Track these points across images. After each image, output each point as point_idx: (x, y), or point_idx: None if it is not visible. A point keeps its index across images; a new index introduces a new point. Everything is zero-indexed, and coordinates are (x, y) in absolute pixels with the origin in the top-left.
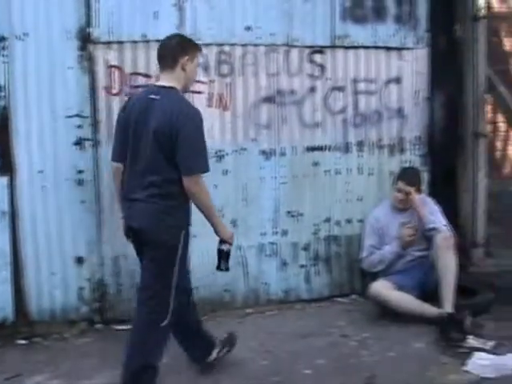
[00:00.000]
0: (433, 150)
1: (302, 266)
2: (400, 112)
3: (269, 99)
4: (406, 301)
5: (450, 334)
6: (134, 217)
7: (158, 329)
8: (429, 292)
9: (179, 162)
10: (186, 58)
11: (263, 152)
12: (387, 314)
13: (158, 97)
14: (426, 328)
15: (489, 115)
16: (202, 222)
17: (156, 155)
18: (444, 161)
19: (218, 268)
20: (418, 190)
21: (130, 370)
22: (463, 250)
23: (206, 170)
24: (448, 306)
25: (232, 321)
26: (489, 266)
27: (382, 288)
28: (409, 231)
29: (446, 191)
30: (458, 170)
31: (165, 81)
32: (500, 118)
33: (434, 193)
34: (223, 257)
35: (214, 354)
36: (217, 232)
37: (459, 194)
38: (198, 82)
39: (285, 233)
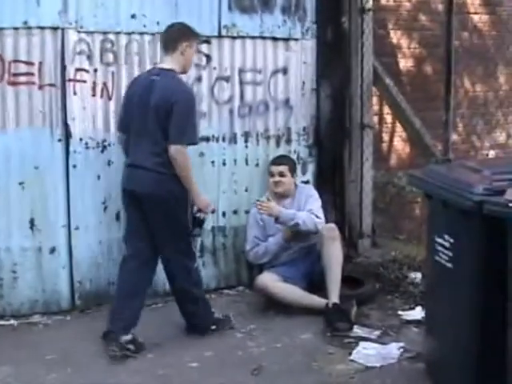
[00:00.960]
0: (320, 141)
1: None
2: (287, 103)
3: None
4: (291, 292)
5: (335, 324)
6: (139, 183)
7: (191, 271)
8: (317, 282)
9: (169, 133)
10: (186, 44)
11: None
12: (274, 305)
13: (158, 77)
14: (313, 319)
15: (375, 107)
16: (87, 214)
17: (156, 128)
18: (331, 152)
19: (191, 234)
20: (292, 172)
21: (179, 288)
22: (350, 240)
23: (192, 142)
24: (334, 297)
25: None
26: (375, 256)
27: (268, 280)
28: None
29: (333, 182)
30: (344, 161)
31: (165, 63)
32: (386, 109)
33: (320, 184)
34: (196, 224)
35: None
36: (193, 200)
37: (346, 185)
38: (81, 70)
39: None
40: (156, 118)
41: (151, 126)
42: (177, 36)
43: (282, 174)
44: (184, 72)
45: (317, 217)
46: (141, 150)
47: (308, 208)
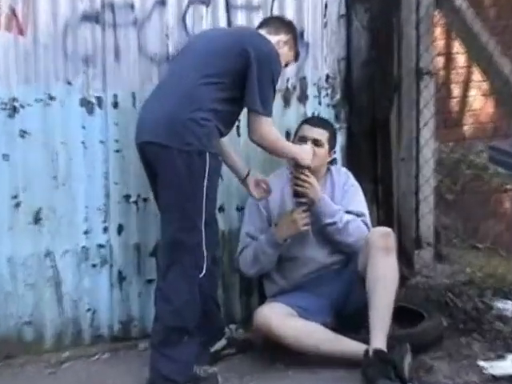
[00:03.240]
0: (352, 98)
1: (150, 282)
2: (300, 39)
3: (91, 18)
4: (310, 333)
5: (379, 382)
6: (145, 129)
7: (190, 282)
8: (351, 315)
9: (247, 96)
10: (287, 38)
11: (84, 102)
12: (284, 353)
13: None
14: (345, 374)
15: (439, 43)
16: None
17: (203, 68)
18: (369, 114)
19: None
20: (330, 145)
21: (158, 331)
22: (401, 251)
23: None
24: (378, 340)
25: (38, 371)
26: (440, 275)
27: (273, 315)
28: (302, 216)
29: (373, 161)
30: (390, 128)
31: None
32: (456, 46)
33: (353, 163)
34: None
35: (218, 345)
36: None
37: (394, 165)
38: None
39: (121, 229)
40: (215, 58)
41: (198, 63)
42: (286, 24)
43: (317, 143)
44: None
45: (367, 227)
46: (161, 93)
47: (351, 209)
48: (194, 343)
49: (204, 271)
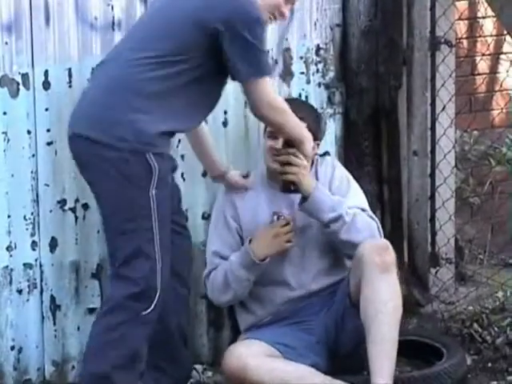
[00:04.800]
0: (349, 75)
1: (92, 311)
2: None
3: None
4: (299, 380)
5: None
6: (75, 117)
7: (134, 320)
8: (347, 353)
9: (236, 67)
10: None
11: (5, 81)
12: None
13: None
14: None
15: (461, 4)
16: None
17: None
18: (371, 95)
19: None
20: (312, 133)
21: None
22: (412, 269)
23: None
24: (381, 378)
25: None
26: (463, 300)
27: (251, 356)
28: (284, 230)
29: (377, 156)
30: (398, 113)
31: None
32: (483, 9)
33: (351, 158)
34: None
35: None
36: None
37: (403, 162)
38: None
39: (54, 244)
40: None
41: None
42: None
43: None
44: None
45: (374, 221)
46: (104, 71)
47: (349, 205)
48: None
49: (153, 306)
